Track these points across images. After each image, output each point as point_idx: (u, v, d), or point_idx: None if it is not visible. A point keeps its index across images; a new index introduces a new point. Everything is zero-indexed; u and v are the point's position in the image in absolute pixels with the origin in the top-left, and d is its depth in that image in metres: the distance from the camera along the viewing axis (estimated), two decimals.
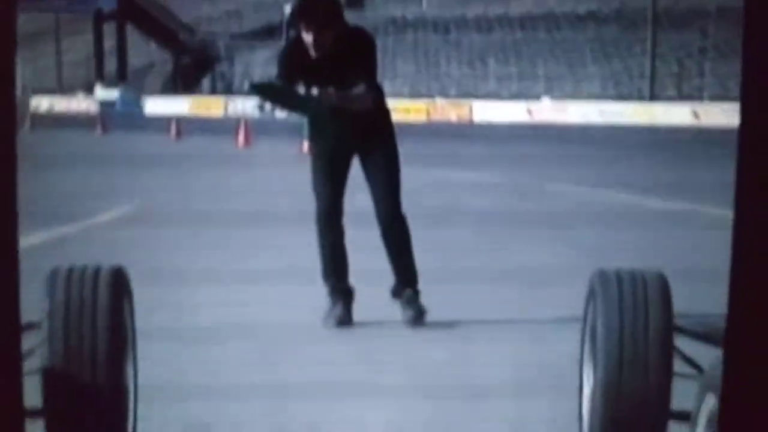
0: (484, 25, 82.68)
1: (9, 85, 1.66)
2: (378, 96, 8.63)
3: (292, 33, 8.75)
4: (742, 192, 1.70)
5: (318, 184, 8.68)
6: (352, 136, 8.56)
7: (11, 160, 1.69)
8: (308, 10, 8.33)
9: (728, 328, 1.78)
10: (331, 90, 8.33)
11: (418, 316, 8.51)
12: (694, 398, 3.66)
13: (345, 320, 8.60)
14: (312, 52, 8.39)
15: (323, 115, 8.51)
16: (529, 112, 67.76)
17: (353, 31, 8.61)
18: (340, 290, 8.67)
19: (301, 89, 8.43)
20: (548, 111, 67.08)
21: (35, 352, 4.91)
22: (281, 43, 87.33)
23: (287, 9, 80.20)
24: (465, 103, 71.00)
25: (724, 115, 62.09)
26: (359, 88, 8.40)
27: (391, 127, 8.73)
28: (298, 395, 6.71)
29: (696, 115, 63.17)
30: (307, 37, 8.35)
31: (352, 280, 8.73)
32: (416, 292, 8.62)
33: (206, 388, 6.82)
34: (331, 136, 8.61)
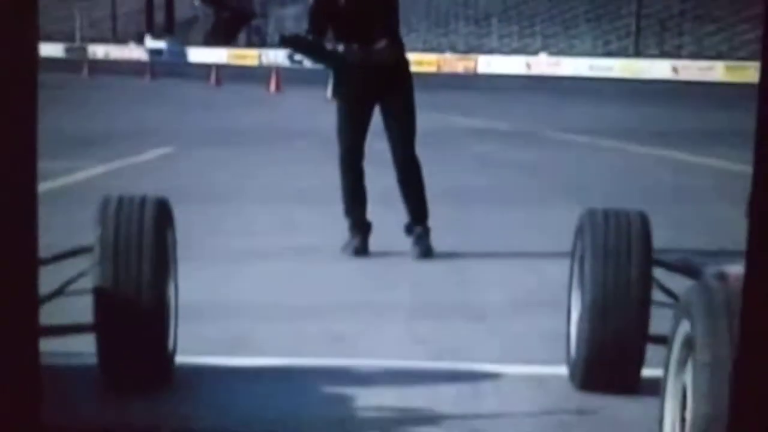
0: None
1: (33, 40, 1.56)
2: (399, 49, 8.56)
3: None
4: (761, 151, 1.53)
5: (341, 129, 8.61)
6: (374, 87, 8.47)
7: (32, 108, 1.57)
8: None
9: (746, 284, 1.56)
10: (355, 46, 8.27)
11: (425, 253, 8.48)
12: (670, 324, 3.64)
13: (362, 251, 8.58)
14: (342, 2, 8.32)
15: (348, 69, 8.45)
16: (528, 65, 67.47)
17: None
18: (359, 225, 8.64)
19: (329, 43, 8.38)
20: (544, 65, 66.76)
21: (87, 273, 4.93)
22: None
23: None
24: (471, 57, 70.72)
25: (700, 71, 61.86)
26: (381, 43, 8.34)
27: (410, 78, 8.63)
28: (322, 312, 6.71)
29: (675, 70, 62.86)
30: None
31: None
32: (426, 230, 8.57)
33: (240, 305, 6.82)
34: (355, 86, 8.53)
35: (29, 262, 1.59)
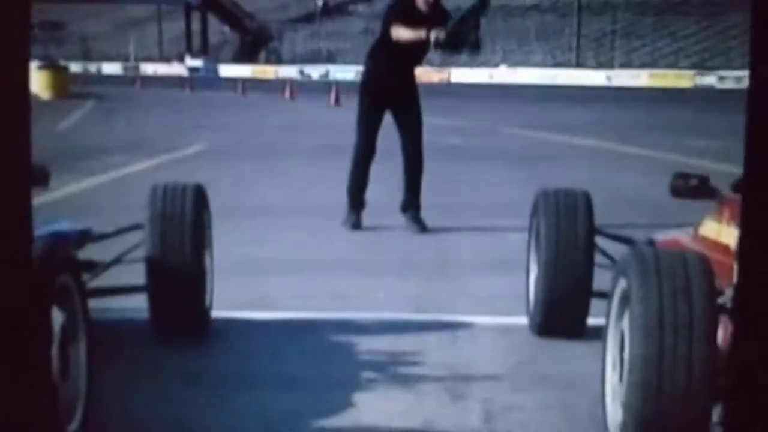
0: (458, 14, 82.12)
1: (24, 57, 1.42)
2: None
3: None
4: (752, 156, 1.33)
5: (360, 125, 8.61)
6: (388, 96, 8.48)
7: (26, 116, 1.43)
8: None
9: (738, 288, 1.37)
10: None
11: (422, 229, 8.48)
12: (610, 282, 3.61)
13: (357, 225, 8.58)
14: (422, 6, 8.27)
15: (369, 82, 8.38)
16: (491, 75, 67.28)
17: (440, 2, 8.48)
18: (357, 203, 8.62)
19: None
20: (504, 75, 66.67)
21: (140, 245, 4.93)
22: (317, 26, 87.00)
23: (319, 2, 78.51)
24: (445, 69, 70.63)
25: (629, 78, 61.96)
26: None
27: (417, 90, 8.65)
28: (322, 272, 6.68)
29: (609, 78, 62.84)
30: None
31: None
32: (419, 209, 8.58)
33: (259, 268, 6.78)
34: (374, 94, 8.50)
35: (25, 263, 1.41)
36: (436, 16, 8.27)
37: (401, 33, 8.26)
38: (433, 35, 8.10)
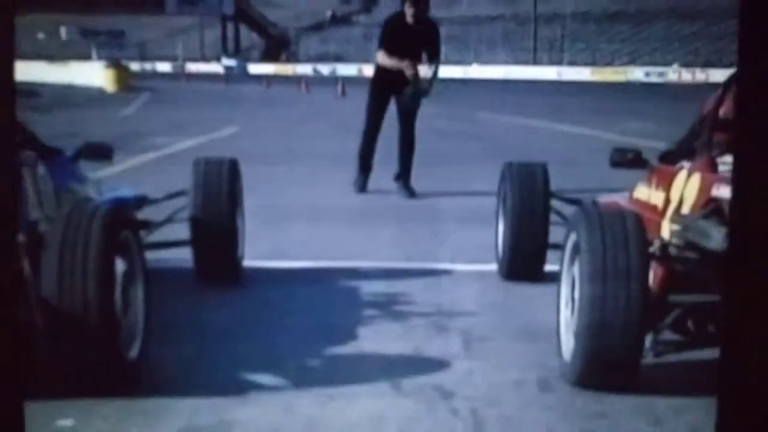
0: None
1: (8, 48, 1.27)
2: (435, 68, 8.39)
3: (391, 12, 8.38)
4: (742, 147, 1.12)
5: (369, 109, 8.51)
6: (395, 86, 8.32)
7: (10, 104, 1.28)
8: None
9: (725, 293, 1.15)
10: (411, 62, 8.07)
11: (412, 195, 8.42)
12: (563, 235, 3.57)
13: (363, 188, 8.53)
14: (409, 20, 8.07)
15: (380, 75, 8.34)
16: (465, 72, 66.90)
17: (429, 18, 8.30)
18: (365, 167, 8.59)
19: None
20: (476, 71, 66.30)
21: (185, 208, 4.89)
22: (326, 33, 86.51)
23: (329, 13, 78.08)
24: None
25: (575, 73, 61.78)
26: (423, 68, 8.18)
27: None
28: (328, 224, 6.64)
29: (559, 74, 62.63)
30: (409, 10, 8.05)
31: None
32: (409, 178, 8.52)
33: (279, 227, 6.74)
34: (382, 84, 8.38)
35: (10, 249, 1.24)
36: (424, 30, 8.14)
37: (385, 61, 8.21)
38: (408, 71, 8.03)
